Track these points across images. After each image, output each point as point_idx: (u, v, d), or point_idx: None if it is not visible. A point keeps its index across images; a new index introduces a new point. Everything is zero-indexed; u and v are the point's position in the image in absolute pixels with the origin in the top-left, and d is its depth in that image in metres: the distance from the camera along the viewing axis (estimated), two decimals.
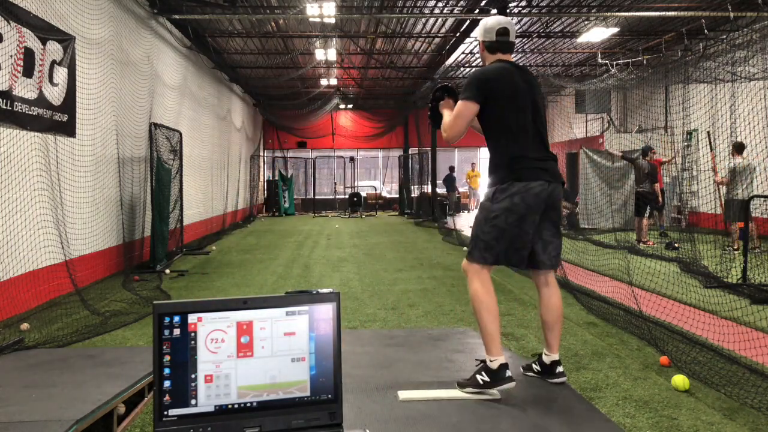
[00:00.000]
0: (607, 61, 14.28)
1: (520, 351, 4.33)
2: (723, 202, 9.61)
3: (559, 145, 17.72)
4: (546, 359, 3.07)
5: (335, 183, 23.58)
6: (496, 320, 2.86)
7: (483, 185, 22.00)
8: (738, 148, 8.93)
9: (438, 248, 10.96)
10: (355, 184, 23.40)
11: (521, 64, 16.58)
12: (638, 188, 10.84)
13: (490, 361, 2.80)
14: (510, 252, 2.88)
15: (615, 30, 12.46)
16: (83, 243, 6.95)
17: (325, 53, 14.46)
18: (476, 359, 3.06)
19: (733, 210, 8.94)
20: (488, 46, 3.09)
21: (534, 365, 3.15)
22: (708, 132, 9.85)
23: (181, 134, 10.15)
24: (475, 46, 14.44)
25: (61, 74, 6.55)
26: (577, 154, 15.01)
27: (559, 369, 3.04)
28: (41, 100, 6.11)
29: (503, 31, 3.05)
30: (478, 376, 2.81)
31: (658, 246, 10.27)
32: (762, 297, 5.92)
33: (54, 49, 6.36)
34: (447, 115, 3.13)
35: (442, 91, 3.26)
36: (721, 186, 9.53)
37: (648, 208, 10.66)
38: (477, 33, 3.17)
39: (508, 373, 2.77)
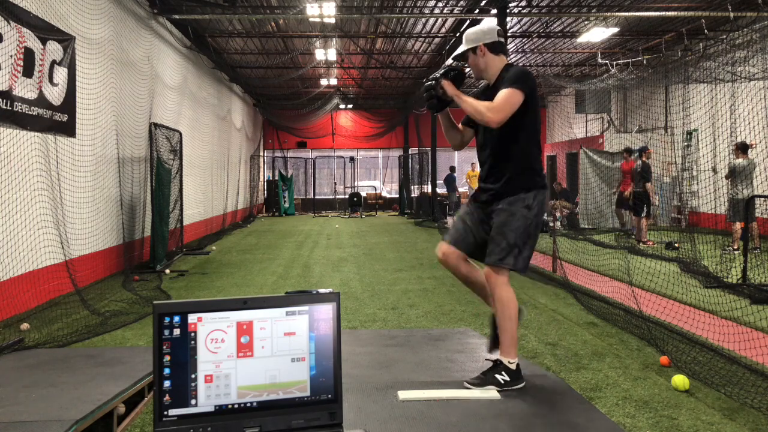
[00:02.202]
0: (607, 61, 14.28)
1: (520, 351, 4.32)
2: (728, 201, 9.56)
3: (559, 145, 17.73)
4: None
5: (335, 183, 23.58)
6: (517, 325, 3.02)
7: None
8: (742, 148, 8.93)
9: None
10: (355, 184, 23.40)
11: (521, 64, 16.70)
12: (634, 189, 10.88)
13: (509, 362, 2.91)
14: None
15: (615, 30, 12.46)
16: (83, 243, 6.95)
17: (325, 53, 14.46)
18: (487, 359, 3.14)
19: (735, 209, 8.93)
20: (493, 47, 2.98)
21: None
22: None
23: (181, 134, 10.15)
24: None
25: (61, 74, 6.55)
26: (577, 154, 15.01)
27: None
28: (41, 100, 6.10)
29: (501, 33, 3.02)
30: (498, 376, 2.88)
31: (658, 246, 10.27)
32: (762, 297, 5.92)
33: (54, 49, 6.36)
34: (473, 101, 2.87)
35: (453, 72, 3.02)
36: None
37: (645, 207, 10.68)
38: (474, 39, 3.00)
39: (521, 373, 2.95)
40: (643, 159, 10.72)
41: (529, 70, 2.91)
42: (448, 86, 2.97)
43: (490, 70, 3.00)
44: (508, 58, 3.15)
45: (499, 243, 2.90)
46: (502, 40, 3.01)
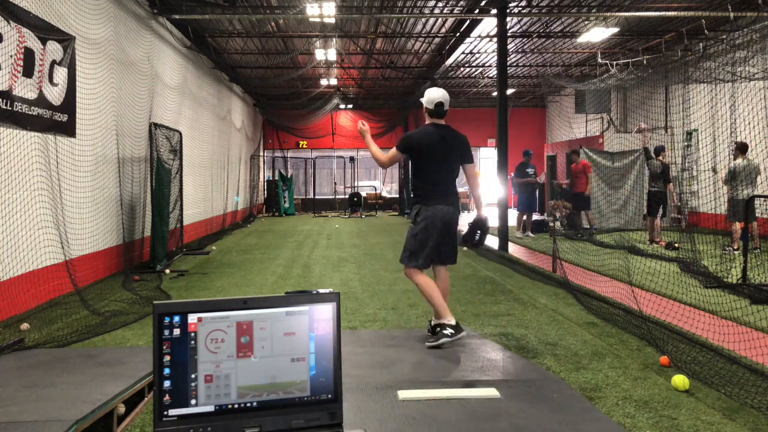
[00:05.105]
0: (607, 61, 14.28)
1: (520, 351, 4.33)
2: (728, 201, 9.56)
3: (559, 145, 17.73)
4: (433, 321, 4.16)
5: (335, 183, 23.58)
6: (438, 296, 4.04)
7: (482, 185, 21.98)
8: (741, 149, 8.92)
9: None
10: (355, 184, 23.39)
11: (521, 64, 16.62)
12: (651, 188, 10.84)
13: (449, 320, 3.94)
14: None
15: (615, 30, 12.46)
16: (83, 243, 6.95)
17: (325, 53, 14.46)
18: (430, 324, 4.12)
19: (734, 210, 8.92)
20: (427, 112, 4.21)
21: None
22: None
23: (181, 134, 10.15)
24: (475, 46, 14.46)
25: (61, 74, 6.55)
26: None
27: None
28: (41, 100, 6.10)
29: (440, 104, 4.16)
30: (445, 332, 3.90)
31: (658, 246, 10.26)
32: (762, 297, 5.92)
33: (54, 49, 6.36)
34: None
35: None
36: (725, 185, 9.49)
37: (660, 207, 10.65)
38: (423, 100, 4.19)
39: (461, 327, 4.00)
40: (660, 159, 10.67)
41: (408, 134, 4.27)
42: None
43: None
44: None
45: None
46: (436, 109, 4.15)
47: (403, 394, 2.86)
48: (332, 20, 11.82)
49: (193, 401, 1.49)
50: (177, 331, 1.49)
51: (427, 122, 4.22)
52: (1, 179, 5.43)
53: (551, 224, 9.82)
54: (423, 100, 4.20)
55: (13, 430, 2.51)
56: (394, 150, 4.19)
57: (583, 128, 19.30)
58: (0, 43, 5.36)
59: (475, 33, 12.72)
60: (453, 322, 3.95)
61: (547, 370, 3.81)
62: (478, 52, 15.18)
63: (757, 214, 9.07)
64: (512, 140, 11.55)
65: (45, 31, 6.15)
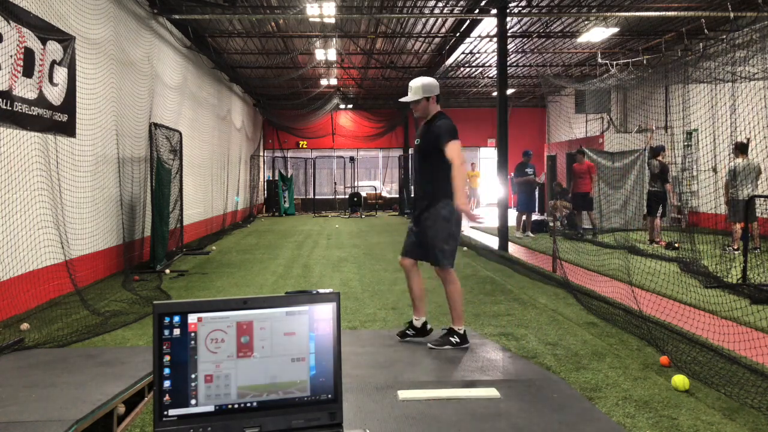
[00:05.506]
0: (607, 61, 14.28)
1: (520, 351, 4.33)
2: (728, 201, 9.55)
3: (559, 145, 17.73)
4: (417, 323, 4.15)
5: (335, 183, 23.58)
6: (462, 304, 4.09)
7: (483, 185, 22.00)
8: (741, 149, 8.91)
9: None
10: (355, 184, 23.39)
11: (521, 64, 16.60)
12: (650, 188, 10.83)
13: (459, 328, 3.99)
14: None
15: (615, 30, 12.46)
16: (83, 243, 6.95)
17: (325, 53, 14.46)
18: (442, 328, 4.21)
19: (735, 210, 8.92)
20: (437, 98, 4.10)
21: (408, 331, 4.18)
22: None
23: (181, 134, 10.15)
24: (475, 46, 14.46)
25: (61, 74, 6.55)
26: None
27: (428, 327, 4.21)
28: (41, 100, 6.10)
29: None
30: (452, 338, 3.97)
31: (658, 246, 10.26)
32: (762, 297, 5.92)
33: (54, 49, 6.36)
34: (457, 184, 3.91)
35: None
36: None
37: (660, 207, 10.64)
38: (426, 92, 4.02)
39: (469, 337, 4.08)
40: (659, 159, 10.66)
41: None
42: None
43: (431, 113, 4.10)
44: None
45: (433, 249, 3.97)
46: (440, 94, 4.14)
47: (403, 394, 2.86)
48: (332, 20, 11.82)
49: (193, 401, 1.49)
50: (177, 331, 1.49)
51: (436, 111, 4.08)
52: (1, 179, 5.43)
53: (551, 224, 9.81)
54: (425, 90, 4.00)
55: (13, 430, 2.51)
56: (458, 144, 3.88)
57: (583, 128, 19.30)
58: (0, 43, 5.36)
59: (475, 33, 12.72)
60: (462, 330, 3.99)
61: (547, 370, 3.82)
62: (478, 52, 15.18)
63: (757, 214, 9.07)
64: (512, 140, 11.55)
65: (45, 31, 6.15)
